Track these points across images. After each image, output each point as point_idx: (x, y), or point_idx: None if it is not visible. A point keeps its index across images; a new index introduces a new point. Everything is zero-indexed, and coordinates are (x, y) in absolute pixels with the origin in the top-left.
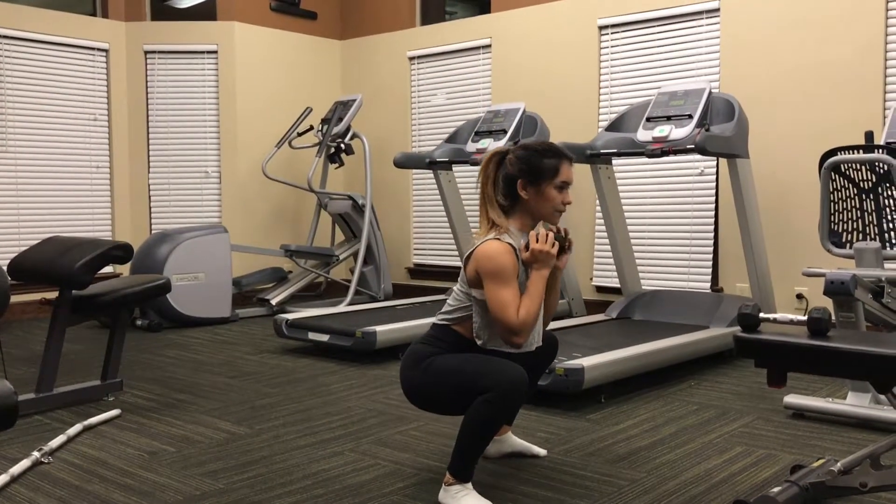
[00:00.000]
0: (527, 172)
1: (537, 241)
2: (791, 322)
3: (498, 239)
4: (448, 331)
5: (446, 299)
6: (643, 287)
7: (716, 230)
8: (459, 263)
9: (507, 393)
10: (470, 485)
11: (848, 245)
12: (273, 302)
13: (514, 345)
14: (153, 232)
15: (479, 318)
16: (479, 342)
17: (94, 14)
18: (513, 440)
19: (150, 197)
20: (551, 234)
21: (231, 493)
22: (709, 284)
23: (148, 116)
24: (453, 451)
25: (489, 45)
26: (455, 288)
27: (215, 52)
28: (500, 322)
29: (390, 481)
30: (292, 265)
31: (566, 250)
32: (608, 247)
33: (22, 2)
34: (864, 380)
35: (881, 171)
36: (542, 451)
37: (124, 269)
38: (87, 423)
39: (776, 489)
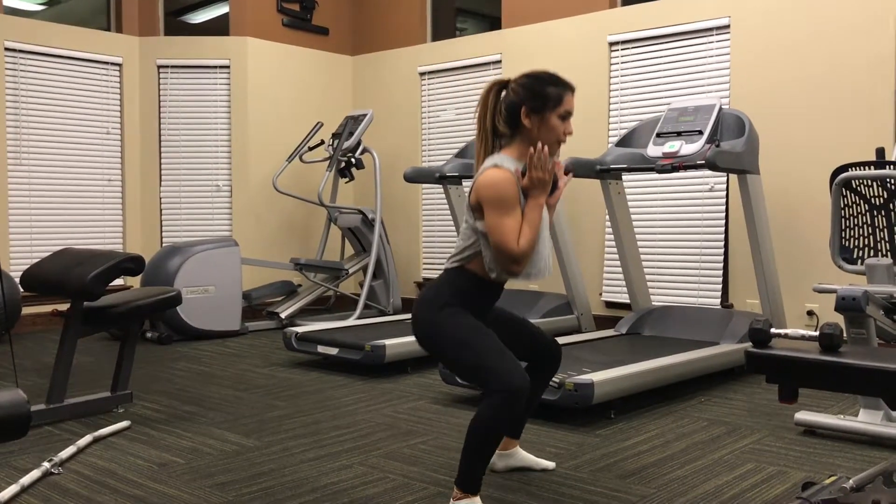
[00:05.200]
0: (530, 99)
1: (535, 167)
2: (802, 338)
3: (498, 166)
4: (461, 272)
5: None
6: (653, 303)
7: (726, 246)
8: None
9: (512, 399)
10: (478, 498)
11: (859, 261)
12: (282, 315)
13: (513, 273)
14: (164, 245)
15: (488, 252)
16: (492, 276)
17: (108, 29)
18: (521, 454)
19: (161, 210)
20: (550, 159)
21: None
22: (719, 300)
23: (160, 130)
24: (459, 464)
25: (500, 61)
26: (462, 227)
27: (227, 66)
28: (501, 250)
29: (399, 495)
30: (302, 279)
31: (557, 187)
32: (618, 262)
33: (37, 17)
34: (876, 396)
35: (892, 187)
36: (550, 465)
37: (135, 282)
38: (97, 434)
39: None
